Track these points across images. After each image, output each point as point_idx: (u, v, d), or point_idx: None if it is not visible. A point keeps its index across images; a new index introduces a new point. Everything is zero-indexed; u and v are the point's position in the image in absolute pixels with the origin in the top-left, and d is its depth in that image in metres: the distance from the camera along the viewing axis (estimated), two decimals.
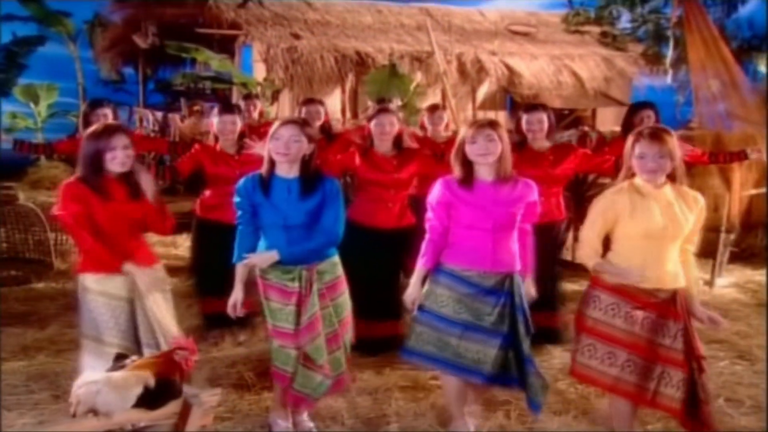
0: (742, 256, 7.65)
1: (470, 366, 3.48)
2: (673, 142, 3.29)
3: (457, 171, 3.55)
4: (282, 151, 3.49)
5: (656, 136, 3.27)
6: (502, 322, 3.47)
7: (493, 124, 3.53)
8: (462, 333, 3.47)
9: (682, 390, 3.26)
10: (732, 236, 7.23)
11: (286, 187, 3.55)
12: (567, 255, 6.30)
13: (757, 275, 7.13)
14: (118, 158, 3.43)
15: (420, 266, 3.62)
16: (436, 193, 3.58)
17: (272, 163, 3.56)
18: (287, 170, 3.56)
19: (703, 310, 3.42)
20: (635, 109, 5.67)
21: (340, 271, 3.70)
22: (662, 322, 3.31)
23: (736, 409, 4.11)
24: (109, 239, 3.46)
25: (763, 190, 7.87)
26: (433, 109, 6.36)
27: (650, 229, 3.27)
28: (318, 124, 5.98)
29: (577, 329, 3.48)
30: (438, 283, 3.56)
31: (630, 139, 3.37)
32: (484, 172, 3.51)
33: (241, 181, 3.63)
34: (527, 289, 3.61)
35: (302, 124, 3.62)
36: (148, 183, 3.57)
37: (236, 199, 3.61)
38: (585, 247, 3.42)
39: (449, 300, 3.51)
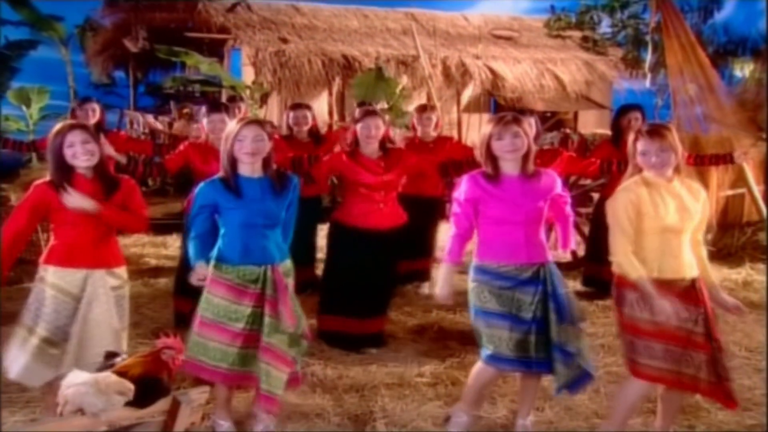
0: (719, 255, 7.65)
1: (527, 358, 3.50)
2: (673, 136, 3.34)
3: (485, 167, 3.55)
4: (249, 151, 3.48)
5: (655, 132, 3.33)
6: (546, 310, 3.49)
7: (518, 120, 3.53)
8: (512, 325, 3.48)
9: (705, 370, 3.32)
10: (709, 236, 7.25)
11: (257, 187, 3.56)
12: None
13: (733, 274, 7.23)
14: (78, 153, 3.41)
15: (447, 263, 3.65)
16: (463, 188, 3.57)
17: (233, 164, 3.55)
18: (251, 170, 3.56)
19: (730, 299, 3.50)
20: (623, 111, 5.83)
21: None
22: (685, 309, 3.34)
23: (713, 404, 4.08)
24: (75, 236, 3.47)
25: (739, 190, 8.01)
26: (422, 109, 6.43)
27: (668, 223, 3.32)
28: (306, 128, 6.21)
29: (627, 331, 3.41)
30: (476, 281, 3.56)
31: (631, 137, 3.43)
32: (510, 167, 3.53)
33: (200, 187, 3.61)
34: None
35: (262, 123, 3.66)
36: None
37: (196, 203, 3.59)
38: (622, 256, 3.34)
39: (491, 295, 3.51)
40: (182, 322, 5.15)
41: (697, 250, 3.47)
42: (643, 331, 3.35)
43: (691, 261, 3.42)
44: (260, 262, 3.56)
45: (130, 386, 2.80)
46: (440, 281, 3.68)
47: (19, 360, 3.46)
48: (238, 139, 3.49)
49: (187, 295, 5.07)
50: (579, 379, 3.55)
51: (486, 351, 3.56)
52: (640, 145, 3.34)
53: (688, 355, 3.33)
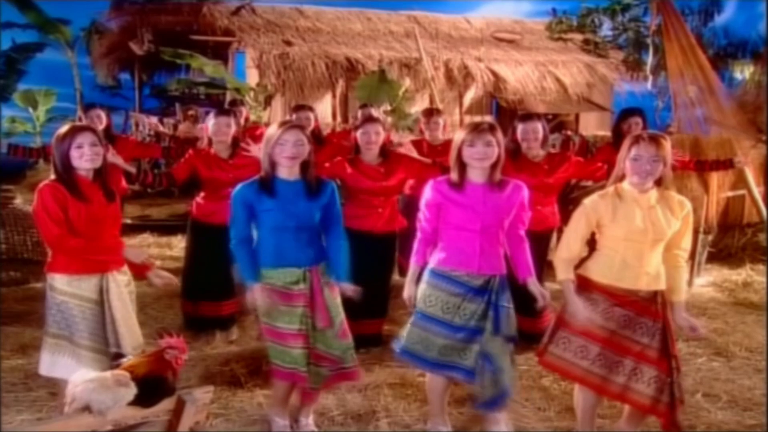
0: (719, 256, 7.71)
1: (453, 363, 3.52)
2: (668, 147, 3.33)
3: (452, 172, 3.53)
4: (290, 155, 3.49)
5: (654, 139, 3.29)
6: (484, 319, 3.49)
7: (492, 129, 3.48)
8: (447, 333, 3.49)
9: (653, 387, 3.32)
10: (710, 237, 7.28)
11: (292, 190, 3.55)
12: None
13: (733, 275, 7.21)
14: (85, 155, 3.39)
15: (412, 264, 3.66)
16: (426, 194, 3.57)
17: (273, 167, 3.55)
18: (288, 173, 3.56)
19: (686, 317, 3.45)
20: (624, 115, 5.80)
21: None
22: (640, 321, 3.35)
23: (713, 404, 4.17)
24: (85, 240, 3.42)
25: (739, 192, 7.99)
26: (429, 113, 6.42)
27: (631, 232, 3.32)
28: (308, 130, 6.26)
29: (555, 323, 3.53)
30: (427, 283, 3.56)
31: (627, 142, 3.38)
32: (477, 175, 3.49)
33: (238, 189, 3.59)
34: (535, 288, 3.54)
35: (302, 127, 3.64)
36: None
37: (235, 205, 3.57)
38: (563, 252, 3.47)
39: (437, 300, 3.52)
40: (191, 324, 5.26)
41: (673, 263, 3.44)
42: (582, 330, 3.41)
43: (657, 273, 3.40)
44: (296, 264, 3.56)
45: (126, 374, 2.81)
46: (406, 284, 3.69)
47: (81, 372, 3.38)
48: (279, 143, 3.50)
49: (192, 298, 5.22)
50: (498, 397, 3.53)
51: (402, 344, 3.63)
52: (635, 150, 3.30)
53: (625, 364, 3.36)
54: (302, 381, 3.58)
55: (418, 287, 3.61)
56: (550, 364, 3.55)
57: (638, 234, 3.32)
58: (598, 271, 3.44)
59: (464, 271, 3.51)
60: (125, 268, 3.62)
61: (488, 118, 15.22)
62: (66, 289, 3.44)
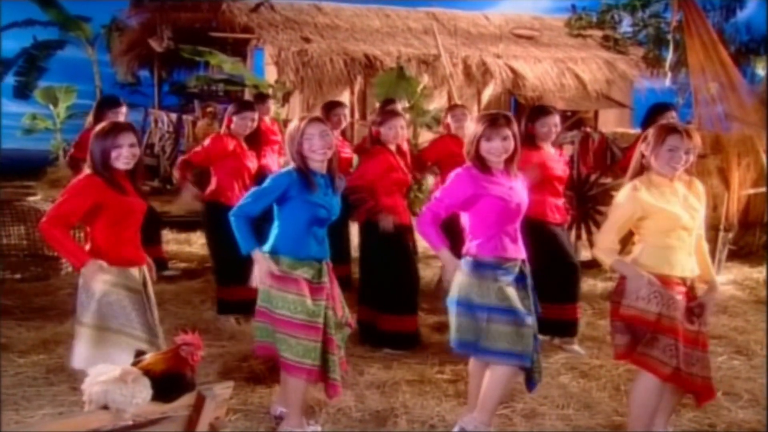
0: (740, 253, 7.72)
1: (520, 350, 3.47)
2: (698, 138, 3.41)
3: (476, 165, 3.52)
4: (320, 148, 3.51)
5: (690, 132, 3.36)
6: (528, 301, 3.56)
7: (508, 122, 3.49)
8: (514, 320, 3.45)
9: (700, 366, 3.40)
10: (730, 235, 7.28)
11: (323, 183, 3.60)
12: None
13: (754, 272, 7.21)
14: (123, 156, 3.44)
15: (443, 248, 3.57)
16: (456, 181, 3.54)
17: (304, 162, 3.55)
18: (320, 167, 3.59)
19: (712, 304, 3.52)
20: (660, 110, 5.80)
21: None
22: (689, 307, 3.41)
23: (734, 402, 4.15)
24: (125, 232, 3.50)
25: (760, 189, 7.87)
26: (453, 108, 6.39)
27: (675, 222, 3.37)
28: (342, 127, 6.25)
29: (627, 319, 3.44)
30: (473, 274, 3.50)
31: (657, 132, 3.39)
32: (497, 166, 3.54)
33: (278, 173, 3.67)
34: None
35: (322, 119, 3.68)
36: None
37: (268, 186, 3.56)
38: (603, 244, 3.48)
39: (490, 289, 3.47)
40: (226, 310, 5.38)
41: (698, 244, 3.51)
42: (654, 324, 3.36)
43: (694, 259, 3.48)
44: (322, 257, 3.63)
45: (138, 371, 2.82)
46: (449, 268, 3.61)
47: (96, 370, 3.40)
48: (306, 138, 3.51)
49: (228, 284, 5.31)
50: (540, 377, 3.68)
51: (455, 338, 3.59)
52: (672, 141, 3.33)
53: (691, 354, 3.37)
54: (316, 376, 3.59)
55: (466, 281, 3.53)
56: (642, 362, 3.46)
57: (681, 222, 3.37)
58: (650, 263, 3.42)
59: (509, 257, 3.52)
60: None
61: None
62: (117, 281, 3.46)
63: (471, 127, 3.63)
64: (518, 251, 3.59)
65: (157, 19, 15.14)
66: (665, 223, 3.38)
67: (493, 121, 3.48)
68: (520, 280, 3.57)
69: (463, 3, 17.52)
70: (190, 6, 15.10)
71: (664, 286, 3.35)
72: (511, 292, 3.49)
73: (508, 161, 3.54)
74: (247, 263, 3.59)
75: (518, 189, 3.59)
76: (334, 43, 14.74)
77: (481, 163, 3.51)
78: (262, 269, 3.51)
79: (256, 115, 5.25)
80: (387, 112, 5.21)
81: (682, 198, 3.41)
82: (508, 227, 3.54)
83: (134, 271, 3.56)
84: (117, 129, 3.50)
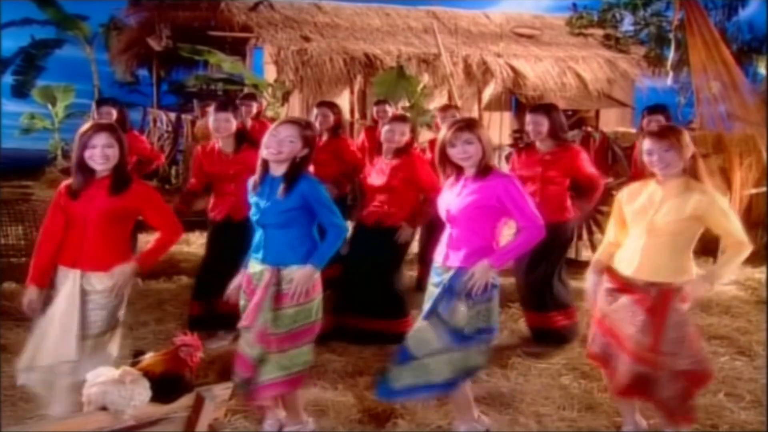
0: None
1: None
2: (679, 138, 3.37)
3: (446, 171, 3.56)
4: (273, 150, 3.40)
5: (660, 132, 3.43)
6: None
7: (471, 126, 3.47)
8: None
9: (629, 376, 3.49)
10: None
11: (269, 185, 3.48)
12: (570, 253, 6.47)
13: (756, 273, 7.21)
14: (96, 156, 3.43)
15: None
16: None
17: (265, 162, 3.49)
18: (276, 169, 3.47)
19: (690, 288, 3.41)
20: (647, 112, 5.91)
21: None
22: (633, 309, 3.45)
23: (736, 403, 4.17)
24: (69, 236, 3.54)
25: (762, 189, 7.92)
26: (446, 108, 6.39)
27: (643, 223, 3.43)
28: (326, 126, 6.14)
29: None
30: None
31: (640, 137, 3.63)
32: (469, 172, 3.51)
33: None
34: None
35: (304, 126, 3.51)
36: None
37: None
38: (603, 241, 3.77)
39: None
40: (196, 325, 5.00)
41: (725, 248, 3.58)
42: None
43: (675, 266, 3.42)
44: (266, 261, 3.50)
45: (136, 372, 2.84)
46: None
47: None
48: (272, 135, 3.44)
49: (198, 298, 5.12)
50: None
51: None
52: (646, 144, 3.43)
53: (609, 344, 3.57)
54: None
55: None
56: None
57: (649, 224, 3.41)
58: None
59: (437, 263, 3.64)
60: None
61: (507, 115, 15.19)
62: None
63: (440, 135, 3.64)
64: (447, 258, 3.52)
65: (156, 17, 15.08)
66: (631, 223, 3.53)
67: (454, 126, 3.49)
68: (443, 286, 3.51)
69: (464, 2, 17.52)
70: (189, 5, 15.05)
71: (611, 282, 3.54)
72: (430, 294, 3.58)
73: (482, 166, 3.47)
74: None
75: (457, 195, 3.49)
76: (334, 42, 14.71)
77: (443, 170, 3.57)
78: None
79: (230, 116, 4.91)
80: (393, 116, 5.32)
81: (660, 201, 3.41)
82: (445, 233, 3.61)
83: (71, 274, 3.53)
84: (93, 129, 3.50)
